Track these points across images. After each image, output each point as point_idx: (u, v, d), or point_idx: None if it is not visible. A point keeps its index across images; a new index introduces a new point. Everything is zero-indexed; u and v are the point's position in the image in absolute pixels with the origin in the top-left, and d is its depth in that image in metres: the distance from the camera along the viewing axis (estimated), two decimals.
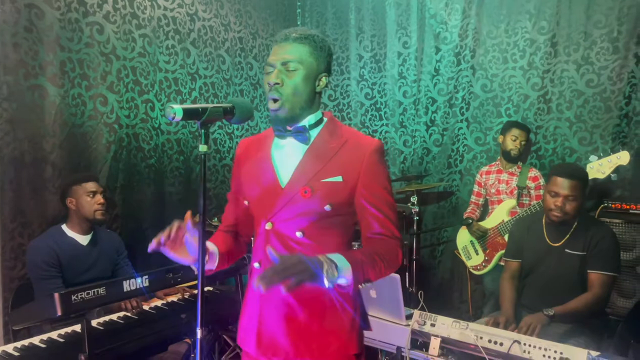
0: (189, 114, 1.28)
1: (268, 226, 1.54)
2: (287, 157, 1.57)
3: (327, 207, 1.49)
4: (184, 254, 1.48)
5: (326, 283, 1.29)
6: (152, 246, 1.47)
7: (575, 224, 2.63)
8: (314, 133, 1.56)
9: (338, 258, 1.35)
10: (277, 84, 1.47)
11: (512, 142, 3.55)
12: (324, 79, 1.54)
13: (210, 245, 1.60)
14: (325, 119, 1.60)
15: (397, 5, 4.38)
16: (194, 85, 3.86)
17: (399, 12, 4.38)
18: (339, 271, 1.33)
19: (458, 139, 4.24)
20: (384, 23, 4.46)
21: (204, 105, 1.31)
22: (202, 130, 1.31)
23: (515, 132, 3.56)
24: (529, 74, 3.85)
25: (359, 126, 4.68)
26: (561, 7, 3.70)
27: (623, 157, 3.05)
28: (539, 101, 3.82)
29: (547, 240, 2.70)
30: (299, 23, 4.85)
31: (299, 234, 1.51)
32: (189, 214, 1.46)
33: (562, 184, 2.59)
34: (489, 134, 4.07)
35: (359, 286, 1.44)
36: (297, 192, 1.50)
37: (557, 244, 2.66)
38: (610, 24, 3.53)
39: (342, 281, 1.35)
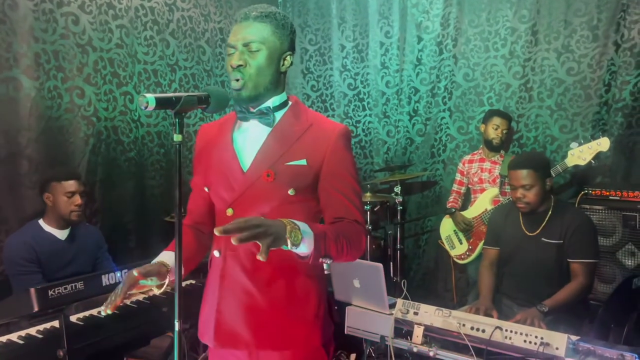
0: (161, 103, 1.26)
1: (229, 212, 1.50)
2: (249, 140, 1.53)
3: (291, 192, 1.47)
4: (145, 287, 1.45)
5: (288, 244, 1.27)
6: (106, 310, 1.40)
7: (550, 212, 2.67)
8: (278, 115, 1.53)
9: (302, 225, 1.33)
10: (240, 65, 1.45)
11: (494, 130, 3.57)
12: (288, 57, 1.51)
13: (167, 259, 1.50)
14: (290, 102, 1.57)
15: None
16: (173, 76, 3.81)
17: (381, 1, 4.37)
18: (302, 234, 1.30)
19: (441, 129, 4.25)
20: (366, 13, 4.44)
21: (177, 94, 1.30)
22: (177, 120, 1.29)
23: (496, 120, 3.57)
24: (511, 63, 3.87)
25: (342, 117, 4.67)
26: None
27: (603, 144, 3.09)
28: (521, 90, 3.84)
29: (524, 229, 2.73)
30: None
31: None
32: (136, 278, 1.40)
33: (516, 176, 2.66)
34: (472, 123, 4.09)
35: (320, 260, 1.38)
36: (260, 176, 1.47)
37: (533, 233, 2.69)
38: (589, 12, 3.56)
39: (302, 249, 1.32)
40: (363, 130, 4.62)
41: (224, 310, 1.52)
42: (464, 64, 4.07)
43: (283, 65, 1.51)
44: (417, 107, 4.33)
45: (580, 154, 3.13)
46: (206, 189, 1.59)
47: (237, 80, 1.46)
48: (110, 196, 3.38)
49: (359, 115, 4.63)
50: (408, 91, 4.34)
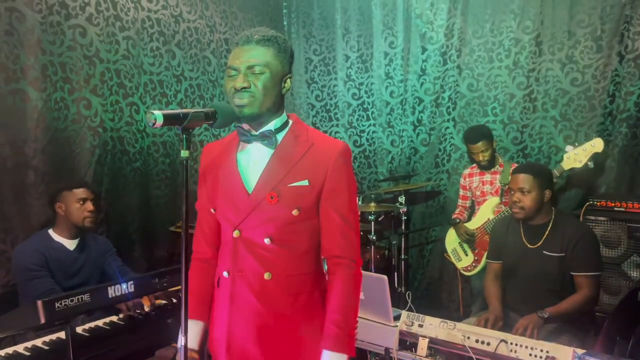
0: (169, 120, 1.28)
1: (236, 234, 1.53)
2: (253, 162, 1.56)
3: (295, 212, 1.49)
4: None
5: None
6: None
7: (551, 224, 2.66)
8: (280, 137, 1.55)
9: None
10: (245, 87, 1.46)
11: (475, 156, 3.57)
12: (288, 80, 1.54)
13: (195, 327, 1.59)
14: (290, 122, 1.59)
15: (383, 5, 4.39)
16: (179, 87, 3.84)
17: (385, 12, 4.39)
18: None
19: (445, 139, 4.26)
20: (370, 23, 4.47)
21: (184, 110, 1.31)
22: (184, 136, 1.31)
23: (471, 148, 3.55)
24: (515, 73, 3.88)
25: (346, 126, 4.69)
26: (545, 6, 3.73)
27: (597, 144, 3.11)
28: (525, 100, 3.85)
29: (525, 241, 2.72)
30: (285, 24, 4.85)
31: (267, 240, 1.51)
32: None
33: (516, 179, 2.68)
34: None
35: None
36: (264, 198, 1.50)
37: (534, 246, 2.68)
38: (593, 23, 3.57)
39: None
40: (367, 140, 4.63)
41: (235, 330, 1.56)
42: (468, 74, 4.08)
43: (284, 87, 1.53)
44: (421, 117, 4.34)
45: (575, 157, 3.14)
46: (212, 210, 1.61)
47: (242, 98, 1.47)
48: (116, 206, 3.40)
49: (363, 125, 4.65)
50: (412, 101, 4.35)
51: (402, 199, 3.91)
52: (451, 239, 3.83)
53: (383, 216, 4.16)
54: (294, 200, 1.49)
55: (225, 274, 1.58)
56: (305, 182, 1.50)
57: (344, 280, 1.52)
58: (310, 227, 1.54)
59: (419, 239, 4.44)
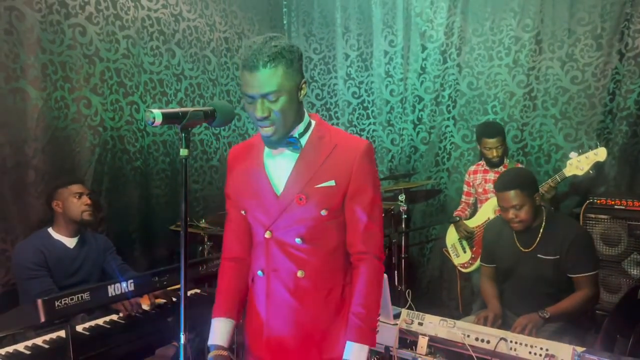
0: (168, 119, 1.28)
1: (267, 235, 1.59)
2: (279, 165, 1.60)
3: (323, 212, 1.54)
4: None
5: None
6: None
7: (543, 225, 2.64)
8: (304, 140, 1.59)
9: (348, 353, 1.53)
10: (265, 117, 1.48)
11: (488, 151, 3.56)
12: (304, 86, 1.54)
13: (221, 337, 1.64)
14: (313, 123, 1.62)
15: (383, 4, 4.39)
16: (179, 86, 3.84)
17: (385, 10, 4.39)
18: None
19: (445, 137, 4.26)
20: (370, 22, 4.46)
21: (183, 109, 1.31)
22: (183, 134, 1.31)
23: (486, 142, 3.54)
24: (515, 72, 3.88)
25: (347, 125, 4.68)
26: (545, 4, 3.72)
27: (600, 153, 3.10)
28: (525, 98, 3.85)
29: (518, 245, 2.70)
30: (284, 22, 4.85)
31: (298, 240, 1.57)
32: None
33: (505, 197, 2.62)
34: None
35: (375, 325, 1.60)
36: (293, 199, 1.54)
37: (528, 249, 2.66)
38: (593, 21, 3.57)
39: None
40: (367, 138, 4.62)
41: (272, 326, 1.63)
42: (468, 72, 4.08)
43: (301, 95, 1.54)
44: (422, 115, 4.34)
45: (578, 164, 3.14)
46: (243, 212, 1.66)
47: (266, 127, 1.50)
48: (116, 205, 3.40)
49: (363, 124, 4.65)
50: (412, 100, 4.35)
51: (402, 197, 3.91)
52: (451, 235, 3.84)
53: (383, 214, 4.15)
54: (322, 201, 1.54)
55: (259, 272, 1.64)
56: (332, 183, 1.55)
57: (367, 275, 1.59)
58: (338, 224, 1.59)
59: (419, 238, 4.44)
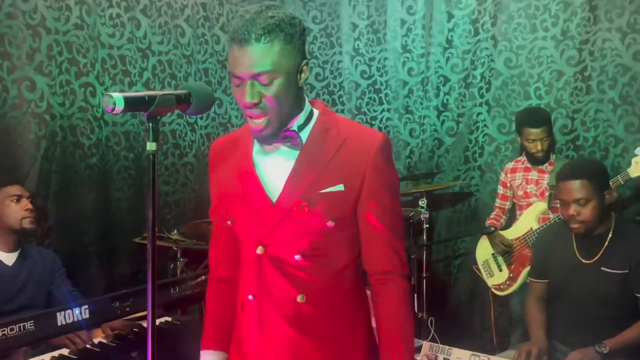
0: (132, 104, 1.27)
1: (259, 250, 1.56)
2: (274, 165, 1.58)
3: (330, 223, 1.53)
4: None
5: None
6: None
7: (611, 234, 2.64)
8: (305, 134, 1.56)
9: None
10: (255, 104, 1.46)
11: (531, 144, 3.54)
12: (304, 68, 1.52)
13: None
14: (315, 112, 1.60)
15: None
16: (145, 63, 3.84)
17: None
18: None
19: (477, 127, 4.26)
20: None
21: (151, 92, 1.31)
22: (150, 124, 1.30)
23: (529, 133, 3.52)
24: (563, 45, 3.87)
25: (354, 112, 4.68)
26: None
27: None
28: (576, 79, 3.84)
29: (578, 256, 2.71)
30: None
31: (297, 257, 1.55)
32: None
33: (567, 188, 2.62)
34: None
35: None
36: (292, 208, 1.52)
37: (589, 261, 2.66)
38: None
39: None
40: (380, 128, 4.62)
41: (266, 358, 1.61)
42: (506, 46, 4.08)
43: (301, 79, 1.52)
44: (447, 100, 4.34)
45: None
46: (229, 223, 1.64)
47: (257, 118, 1.47)
48: (67, 212, 3.40)
49: (374, 111, 4.64)
50: (436, 80, 4.35)
51: (423, 202, 3.90)
52: (483, 250, 3.83)
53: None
54: (329, 209, 1.52)
55: (250, 297, 1.62)
56: (340, 187, 1.53)
57: (396, 299, 1.59)
58: (349, 237, 1.58)
59: (444, 252, 4.43)
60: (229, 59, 1.48)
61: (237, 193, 1.60)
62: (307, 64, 1.52)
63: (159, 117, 1.31)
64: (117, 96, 1.25)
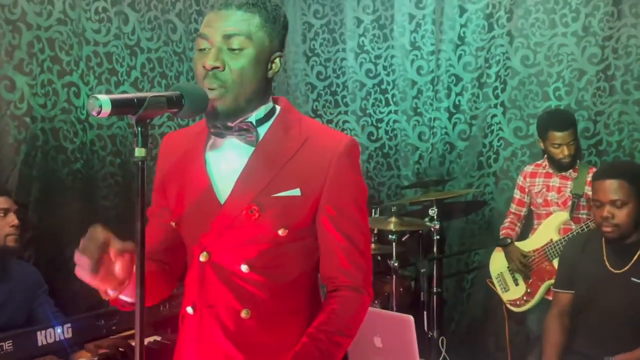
0: (119, 107, 1.27)
1: (203, 257, 1.54)
2: (226, 162, 1.57)
3: (282, 231, 1.50)
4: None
5: None
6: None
7: None
8: (263, 130, 1.56)
9: None
10: (217, 67, 1.45)
11: (556, 149, 3.55)
12: (277, 60, 1.54)
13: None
14: (278, 109, 1.60)
15: None
16: (133, 62, 3.84)
17: None
18: None
19: (491, 130, 4.26)
20: None
21: (140, 94, 1.31)
22: (139, 128, 1.30)
23: (555, 137, 3.53)
24: (585, 42, 3.88)
25: (358, 114, 4.69)
26: None
27: None
28: (599, 78, 3.85)
29: (608, 265, 2.72)
30: None
31: (244, 267, 1.51)
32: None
33: (604, 188, 2.65)
34: (533, 123, 4.08)
35: None
36: (241, 211, 1.50)
37: (620, 270, 2.68)
38: None
39: None
40: (387, 132, 4.64)
41: None
42: (522, 43, 4.08)
43: (271, 69, 1.54)
44: (460, 101, 4.35)
45: None
46: (173, 224, 1.62)
47: (212, 89, 1.46)
48: (48, 222, 3.39)
49: (381, 113, 4.65)
50: (447, 80, 4.36)
51: (433, 212, 3.90)
52: (498, 262, 3.83)
53: (408, 235, 4.15)
54: (281, 216, 1.50)
55: (189, 309, 1.59)
56: (296, 192, 1.51)
57: (344, 302, 1.54)
58: (303, 249, 1.56)
59: (456, 266, 4.43)
60: (202, 25, 1.51)
61: (185, 191, 1.59)
62: (280, 57, 1.54)
63: (148, 120, 1.31)
64: (104, 98, 1.25)
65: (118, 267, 1.37)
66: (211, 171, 1.57)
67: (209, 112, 1.48)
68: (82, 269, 1.36)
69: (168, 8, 4.05)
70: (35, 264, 3.19)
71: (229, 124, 1.53)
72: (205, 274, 1.55)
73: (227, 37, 1.46)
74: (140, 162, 1.29)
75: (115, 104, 1.26)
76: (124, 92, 3.77)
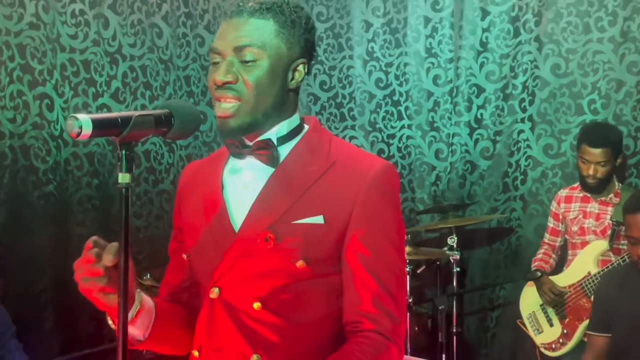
0: (102, 128, 1.27)
1: (213, 294, 1.54)
2: (244, 185, 1.57)
3: (300, 264, 1.48)
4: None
5: None
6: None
7: None
8: (286, 150, 1.56)
9: None
10: (228, 82, 1.46)
11: (584, 165, 3.55)
12: (300, 68, 1.54)
13: (145, 300, 1.53)
14: (306, 128, 1.61)
15: None
16: (114, 70, 3.86)
17: None
18: None
19: (518, 148, 4.26)
20: None
21: (124, 113, 1.30)
22: (124, 152, 1.30)
23: (586, 152, 3.52)
24: (623, 49, 3.89)
25: (367, 129, 4.69)
26: None
27: None
28: (639, 90, 3.85)
29: None
30: None
31: (256, 305, 1.50)
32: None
33: (638, 223, 2.65)
34: (566, 140, 4.09)
35: None
36: (254, 239, 1.49)
37: None
38: None
39: None
40: (399, 149, 4.63)
41: None
42: (553, 50, 4.09)
43: (293, 79, 1.54)
44: (482, 114, 4.35)
45: None
46: (185, 257, 1.63)
47: (226, 102, 1.47)
48: (17, 252, 3.38)
49: (392, 128, 4.65)
50: (467, 91, 4.36)
51: (452, 240, 3.88)
52: (530, 300, 3.81)
53: (424, 267, 4.13)
54: (300, 246, 1.47)
55: (195, 352, 1.59)
56: (318, 219, 1.49)
57: (364, 340, 1.48)
58: (326, 288, 1.52)
59: (479, 303, 4.41)
60: (215, 37, 1.53)
61: (198, 220, 1.59)
62: (305, 63, 1.54)
63: (133, 142, 1.31)
64: (84, 118, 1.24)
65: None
66: (227, 196, 1.57)
67: (223, 128, 1.49)
68: (95, 281, 1.36)
69: (153, 10, 4.07)
70: (2, 301, 3.18)
71: (247, 141, 1.54)
72: (215, 312, 1.54)
73: (239, 49, 1.47)
74: (124, 189, 1.29)
75: (97, 124, 1.25)
76: (103, 104, 3.78)
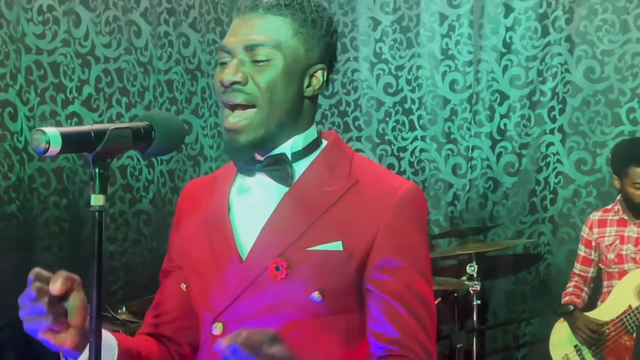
0: (73, 143, 1.27)
1: (216, 329, 1.53)
2: (254, 206, 1.56)
3: (315, 297, 1.47)
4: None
5: None
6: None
7: None
8: (302, 167, 1.56)
9: None
10: (237, 82, 1.46)
11: (637, 191, 3.55)
12: (319, 75, 1.54)
13: (105, 336, 1.47)
14: (324, 143, 1.61)
15: None
16: (86, 74, 3.86)
17: None
18: None
19: (547, 163, 4.27)
20: None
21: (99, 126, 1.31)
22: (97, 170, 1.31)
23: (637, 175, 3.54)
24: None
25: (375, 141, 4.70)
26: None
27: None
28: None
29: None
30: None
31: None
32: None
33: None
34: (602, 154, 4.10)
35: None
36: (264, 269, 1.48)
37: None
38: None
39: None
40: (411, 164, 4.64)
41: None
42: (586, 52, 4.11)
43: (310, 85, 1.54)
44: (505, 125, 4.36)
45: None
46: (183, 287, 1.63)
47: (236, 107, 1.47)
48: None
49: (403, 139, 4.66)
50: (489, 98, 4.38)
51: (472, 268, 3.88)
52: (561, 338, 3.80)
53: (440, 299, 4.12)
54: (316, 275, 1.47)
55: None
56: (336, 245, 1.48)
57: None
58: (345, 326, 1.52)
59: (502, 340, 4.40)
60: (227, 34, 1.53)
61: (201, 243, 1.59)
62: (324, 69, 1.54)
63: (108, 159, 1.32)
64: (52, 132, 1.24)
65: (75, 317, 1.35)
66: (234, 218, 1.57)
67: (231, 145, 1.49)
68: (38, 320, 1.31)
69: (131, 6, 4.08)
70: None
71: (257, 156, 1.54)
72: (218, 351, 1.54)
73: (251, 47, 1.47)
74: (97, 212, 1.29)
75: (67, 139, 1.25)
76: (74, 113, 3.79)
